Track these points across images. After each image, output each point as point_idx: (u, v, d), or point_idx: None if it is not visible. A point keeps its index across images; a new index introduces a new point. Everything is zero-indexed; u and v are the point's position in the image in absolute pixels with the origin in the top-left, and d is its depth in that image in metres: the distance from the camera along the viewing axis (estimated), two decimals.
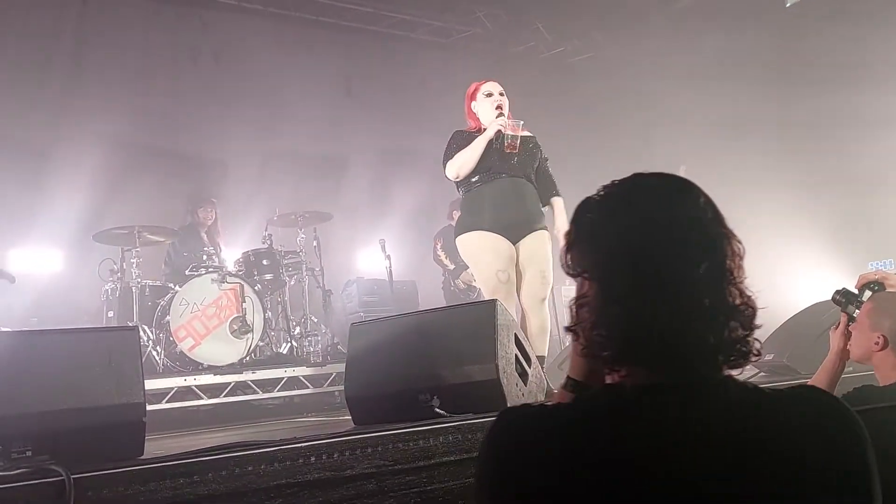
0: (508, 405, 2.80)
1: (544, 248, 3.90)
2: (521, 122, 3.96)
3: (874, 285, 2.40)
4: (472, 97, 4.04)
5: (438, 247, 7.03)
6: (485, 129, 3.91)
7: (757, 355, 1.01)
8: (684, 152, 7.75)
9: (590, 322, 1.00)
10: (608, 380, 1.04)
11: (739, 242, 1.02)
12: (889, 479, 1.80)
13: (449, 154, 3.93)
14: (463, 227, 3.95)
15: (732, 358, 0.98)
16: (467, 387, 2.83)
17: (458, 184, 3.98)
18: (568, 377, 1.17)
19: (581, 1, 8.52)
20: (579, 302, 1.02)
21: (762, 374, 3.86)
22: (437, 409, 2.75)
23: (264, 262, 5.83)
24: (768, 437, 0.93)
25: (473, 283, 6.62)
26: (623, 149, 8.48)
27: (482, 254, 3.83)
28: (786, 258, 7.00)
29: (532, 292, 3.85)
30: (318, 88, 7.91)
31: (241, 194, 6.84)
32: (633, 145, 8.46)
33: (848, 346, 2.38)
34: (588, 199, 1.08)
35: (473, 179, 3.90)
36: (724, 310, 0.96)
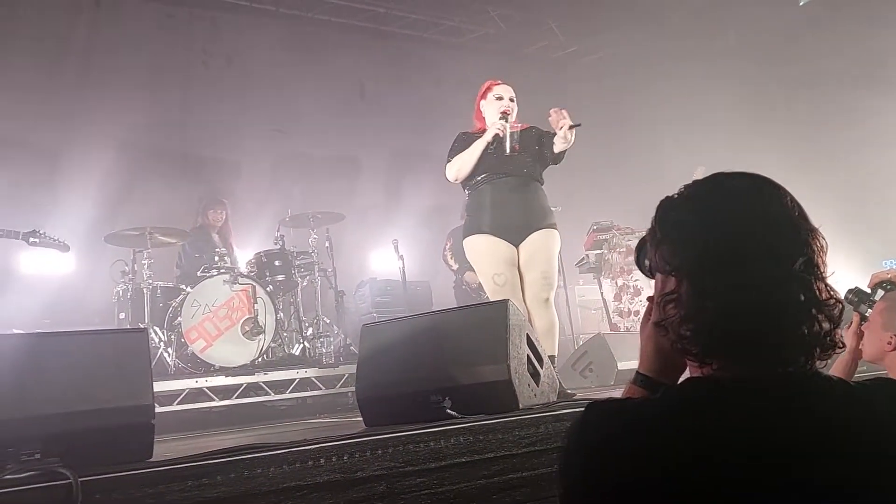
0: (521, 406, 2.76)
1: (546, 249, 3.87)
2: (519, 127, 3.89)
3: (887, 284, 2.37)
4: (483, 96, 4.03)
5: (447, 247, 7.00)
6: (486, 131, 3.89)
7: (842, 348, 1.04)
8: (697, 151, 7.69)
9: (679, 318, 1.02)
10: (694, 374, 1.07)
11: (823, 239, 1.05)
12: None
13: (450, 156, 3.94)
14: (466, 229, 3.97)
15: (820, 351, 1.01)
16: (479, 387, 2.80)
17: (463, 185, 3.97)
18: (638, 373, 1.19)
19: (594, 0, 8.47)
20: (667, 298, 1.04)
21: None
22: (449, 411, 2.72)
23: (276, 262, 5.83)
24: (864, 426, 0.96)
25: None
26: (635, 148, 8.43)
27: (481, 257, 3.85)
28: None
29: (534, 293, 3.83)
30: (331, 89, 7.92)
31: (254, 195, 6.85)
32: (646, 144, 8.40)
33: (860, 346, 2.35)
34: (670, 198, 1.10)
35: (475, 181, 3.90)
36: (814, 304, 1.00)
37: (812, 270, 1.00)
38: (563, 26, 9.45)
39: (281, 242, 5.96)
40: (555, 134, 3.75)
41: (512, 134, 3.81)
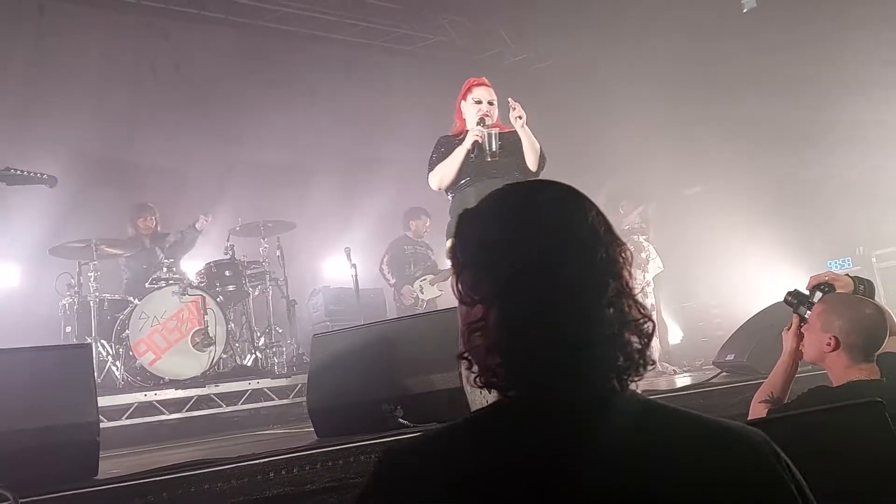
0: (472, 412, 2.79)
1: None
2: (496, 130, 3.82)
3: (824, 286, 2.43)
4: (463, 96, 3.98)
5: (384, 260, 7.05)
6: (466, 133, 3.87)
7: (652, 365, 0.98)
8: (645, 156, 7.86)
9: (484, 348, 0.95)
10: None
11: (629, 251, 0.99)
12: (843, 479, 1.83)
13: (431, 164, 3.91)
14: (449, 232, 3.92)
15: (633, 371, 0.95)
16: (431, 396, 2.82)
17: (446, 191, 3.94)
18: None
19: (543, 8, 8.59)
20: (473, 327, 0.96)
21: (724, 373, 3.90)
22: (401, 420, 2.73)
23: (226, 273, 5.76)
24: (638, 460, 0.88)
25: (421, 296, 6.64)
26: (588, 154, 8.56)
27: None
28: (744, 259, 7.12)
29: None
30: (281, 97, 7.85)
31: (203, 205, 6.73)
32: (598, 150, 8.54)
33: (801, 347, 2.40)
34: (470, 214, 1.02)
35: (458, 185, 3.88)
36: (625, 325, 0.94)
37: (622, 291, 0.95)
38: (514, 34, 9.55)
39: (231, 252, 5.89)
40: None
41: (490, 138, 3.77)
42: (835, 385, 2.26)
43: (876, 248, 6.89)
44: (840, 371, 2.25)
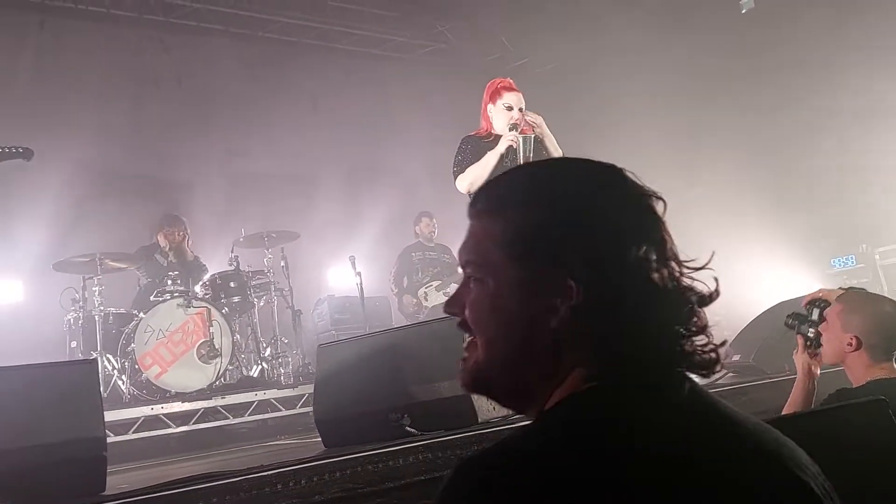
0: (479, 420, 2.78)
1: None
2: (532, 136, 3.82)
3: (820, 302, 2.41)
4: (492, 99, 3.91)
5: (392, 272, 7.06)
6: (494, 134, 3.84)
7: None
8: (645, 159, 7.84)
9: (569, 332, 0.88)
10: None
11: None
12: (847, 479, 1.82)
13: (461, 166, 3.83)
14: None
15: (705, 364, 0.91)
16: (438, 403, 2.81)
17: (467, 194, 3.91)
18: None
19: (543, 12, 8.61)
20: (549, 309, 0.88)
21: (730, 374, 3.89)
22: (408, 428, 2.72)
23: (231, 284, 5.76)
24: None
25: (424, 303, 6.61)
26: (586, 157, 8.54)
27: None
28: (748, 258, 7.10)
29: None
30: (283, 107, 7.88)
31: (207, 217, 6.75)
32: (600, 153, 8.52)
33: (812, 365, 2.38)
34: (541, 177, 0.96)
35: None
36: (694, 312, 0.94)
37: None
38: (513, 39, 9.57)
39: (235, 263, 5.89)
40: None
41: (525, 143, 3.77)
42: (855, 385, 2.23)
43: (879, 246, 6.86)
44: (861, 371, 2.23)
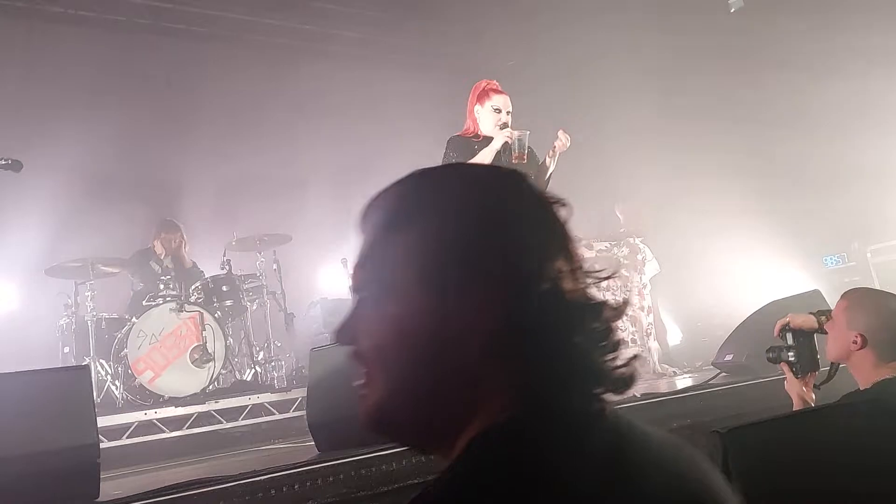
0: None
1: None
2: (528, 133, 3.89)
3: (788, 326, 2.43)
4: (479, 100, 3.93)
5: None
6: (482, 135, 3.86)
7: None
8: (639, 159, 7.88)
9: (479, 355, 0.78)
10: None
11: None
12: (835, 480, 1.83)
13: (450, 161, 3.82)
14: None
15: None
16: None
17: None
18: None
19: (534, 13, 8.63)
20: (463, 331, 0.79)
21: (723, 374, 3.90)
22: None
23: (224, 288, 5.76)
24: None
25: None
26: (579, 159, 8.57)
27: None
28: (741, 258, 7.13)
29: None
30: (274, 110, 7.88)
31: (199, 220, 6.73)
32: (591, 155, 8.56)
33: (804, 392, 2.36)
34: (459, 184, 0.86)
35: None
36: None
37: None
38: (502, 41, 9.58)
39: (228, 267, 5.88)
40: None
41: (520, 141, 3.79)
42: (862, 386, 2.20)
43: (871, 244, 6.89)
44: (868, 370, 2.18)
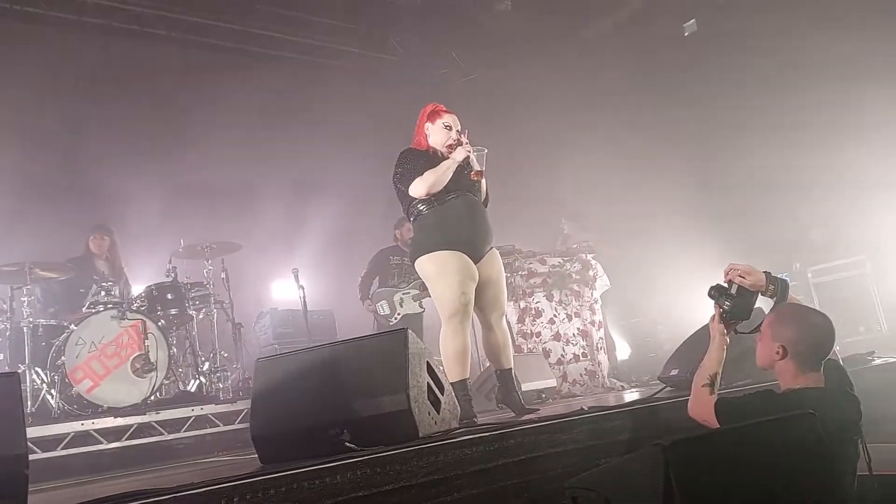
0: (420, 435, 2.76)
1: (501, 267, 4.01)
2: (486, 151, 3.92)
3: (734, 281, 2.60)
4: (430, 118, 4.00)
5: (362, 273, 6.72)
6: (433, 150, 3.89)
7: None
8: (594, 176, 8.00)
9: None
10: None
11: None
12: (776, 488, 1.88)
13: (412, 172, 3.82)
14: (432, 244, 3.80)
15: None
16: (379, 418, 2.78)
17: (416, 202, 3.85)
18: None
19: (493, 31, 8.72)
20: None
21: (669, 388, 3.95)
22: (348, 444, 2.68)
23: (168, 296, 5.63)
24: None
25: (399, 309, 6.32)
26: (535, 172, 8.67)
27: (451, 274, 3.73)
28: (689, 276, 7.27)
29: (498, 309, 3.93)
30: (227, 115, 7.76)
31: (144, 226, 6.58)
32: (544, 169, 8.66)
33: (725, 333, 2.59)
34: None
35: (447, 197, 3.81)
36: None
37: None
38: (463, 55, 9.65)
39: (173, 274, 5.76)
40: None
41: (481, 157, 3.85)
42: (782, 390, 2.38)
43: (812, 264, 7.14)
44: (788, 378, 2.38)
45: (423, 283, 6.38)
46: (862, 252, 6.94)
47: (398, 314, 6.27)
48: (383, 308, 6.32)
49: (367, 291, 6.51)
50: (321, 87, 8.93)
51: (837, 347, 2.53)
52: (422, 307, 6.22)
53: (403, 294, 6.30)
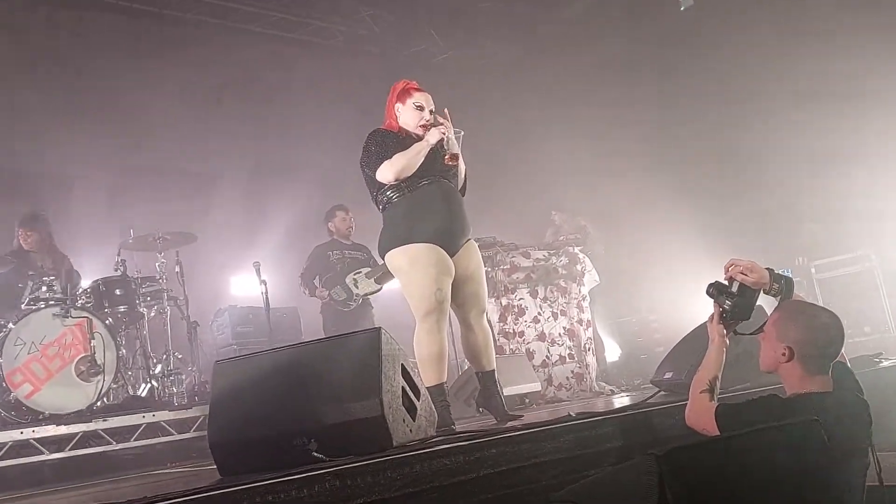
0: (394, 444, 2.76)
1: (481, 261, 3.98)
2: (462, 133, 3.89)
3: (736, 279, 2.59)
4: (400, 98, 3.92)
5: (301, 273, 6.65)
6: (404, 131, 3.83)
7: None
8: (578, 163, 8.05)
9: None
10: None
11: None
12: (780, 496, 1.90)
13: (381, 155, 3.74)
14: (403, 236, 3.74)
15: None
16: (349, 426, 2.77)
17: (390, 187, 3.77)
18: None
19: (473, 6, 8.72)
20: None
21: (662, 392, 3.99)
22: (315, 454, 2.68)
23: (117, 291, 5.58)
24: None
25: (355, 290, 6.28)
26: (516, 160, 8.70)
27: (425, 268, 3.67)
28: (684, 271, 7.35)
29: (477, 306, 3.90)
30: (181, 94, 7.68)
31: (89, 214, 6.50)
32: (526, 156, 8.69)
33: (725, 335, 2.59)
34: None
35: (420, 183, 3.74)
36: None
37: None
38: (442, 32, 9.63)
39: (122, 268, 5.70)
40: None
41: (457, 140, 3.80)
42: (788, 394, 2.37)
43: (815, 259, 7.25)
44: (794, 382, 2.36)
45: (373, 262, 6.47)
46: (866, 245, 7.05)
47: (356, 296, 6.27)
48: (338, 294, 6.31)
49: (313, 285, 6.47)
50: (287, 62, 8.86)
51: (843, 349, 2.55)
52: (378, 283, 6.22)
53: (355, 275, 6.31)
